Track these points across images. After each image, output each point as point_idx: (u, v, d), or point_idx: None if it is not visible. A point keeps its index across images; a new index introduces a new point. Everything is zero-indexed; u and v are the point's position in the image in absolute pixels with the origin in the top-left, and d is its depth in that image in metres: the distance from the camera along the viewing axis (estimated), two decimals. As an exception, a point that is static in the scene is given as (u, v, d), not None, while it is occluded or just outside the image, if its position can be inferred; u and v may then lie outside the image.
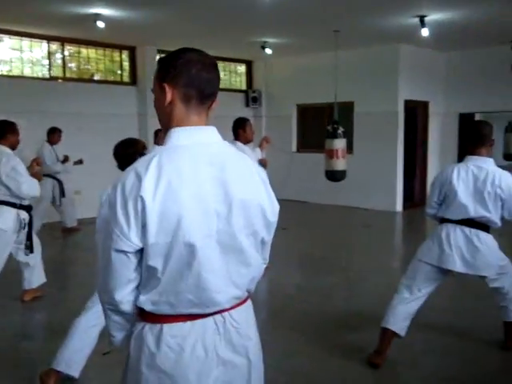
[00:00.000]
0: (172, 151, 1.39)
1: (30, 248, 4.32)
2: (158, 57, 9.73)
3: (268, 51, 9.22)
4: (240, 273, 1.46)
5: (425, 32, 7.33)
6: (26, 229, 4.28)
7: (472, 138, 3.31)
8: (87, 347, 3.02)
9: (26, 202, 4.26)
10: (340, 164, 6.98)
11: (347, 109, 9.63)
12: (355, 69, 9.58)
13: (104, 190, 3.15)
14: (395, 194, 9.54)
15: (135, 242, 1.35)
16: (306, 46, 9.51)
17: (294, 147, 11.04)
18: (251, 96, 11.27)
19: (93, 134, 8.48)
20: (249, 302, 1.59)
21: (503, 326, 3.63)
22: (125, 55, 9.65)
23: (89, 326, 3.01)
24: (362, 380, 3.28)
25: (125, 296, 1.42)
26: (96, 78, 9.51)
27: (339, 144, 6.97)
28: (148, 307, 1.42)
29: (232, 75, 11.53)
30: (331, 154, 6.97)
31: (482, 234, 3.28)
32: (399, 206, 9.58)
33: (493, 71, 9.53)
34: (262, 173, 1.54)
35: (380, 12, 6.93)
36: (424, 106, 10.13)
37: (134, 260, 1.38)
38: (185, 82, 1.42)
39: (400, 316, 3.36)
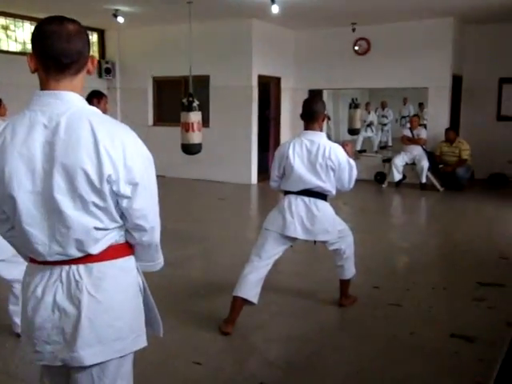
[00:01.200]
0: (21, 114, 1.56)
1: None
2: (-5, 19, 8.86)
3: (120, 20, 8.85)
4: (61, 232, 1.56)
5: (275, 9, 7.56)
6: None
7: (305, 115, 3.53)
8: None
9: None
10: (195, 137, 6.99)
11: (203, 82, 9.67)
12: (210, 42, 9.61)
13: None
14: (250, 167, 9.85)
15: None
16: (159, 16, 9.29)
17: (150, 120, 10.84)
18: (104, 67, 10.78)
19: None
20: (111, 263, 1.62)
21: (339, 284, 3.99)
22: (-45, 15, 8.65)
23: None
24: (213, 346, 3.38)
25: (3, 233, 1.70)
26: None
27: (194, 117, 6.97)
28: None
29: (82, 43, 10.90)
30: (187, 127, 6.95)
31: (320, 203, 3.54)
32: (254, 179, 9.91)
33: (337, 50, 10.17)
34: (110, 143, 1.52)
35: (232, -14, 6.99)
36: (277, 81, 10.50)
37: None
38: (41, 52, 1.53)
39: (251, 284, 3.50)
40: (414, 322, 3.75)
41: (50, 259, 1.58)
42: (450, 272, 5.10)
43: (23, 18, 9.42)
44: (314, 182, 3.46)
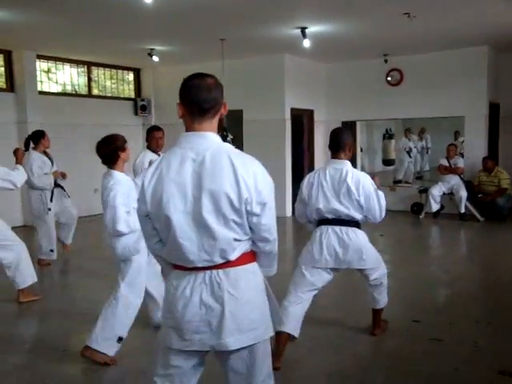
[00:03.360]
0: (173, 150, 1.98)
1: None
2: (37, 62, 9.24)
3: (155, 59, 9.11)
4: (209, 243, 1.92)
5: (306, 43, 7.63)
6: None
7: (332, 145, 3.58)
8: None
9: None
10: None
11: (237, 116, 9.77)
12: (243, 77, 9.75)
13: None
14: (285, 200, 9.80)
15: (143, 209, 1.99)
16: (193, 54, 9.51)
17: (185, 155, 10.98)
18: (140, 104, 11.08)
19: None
20: (243, 268, 1.98)
21: (372, 313, 3.92)
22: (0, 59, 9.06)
23: None
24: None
25: (151, 245, 2.11)
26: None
27: (228, 151, 7.04)
28: (164, 255, 2.06)
29: (120, 83, 11.26)
30: (220, 162, 7.02)
31: (351, 231, 3.52)
32: (289, 211, 9.84)
33: (370, 82, 10.17)
34: (246, 172, 1.88)
35: (263, 22, 7.12)
36: (310, 114, 10.54)
37: (148, 221, 2.01)
38: (188, 101, 1.95)
39: (293, 318, 3.47)
40: (458, 359, 3.58)
41: (199, 265, 1.94)
42: (494, 305, 4.88)
43: (63, 60, 9.79)
44: (340, 209, 3.45)
